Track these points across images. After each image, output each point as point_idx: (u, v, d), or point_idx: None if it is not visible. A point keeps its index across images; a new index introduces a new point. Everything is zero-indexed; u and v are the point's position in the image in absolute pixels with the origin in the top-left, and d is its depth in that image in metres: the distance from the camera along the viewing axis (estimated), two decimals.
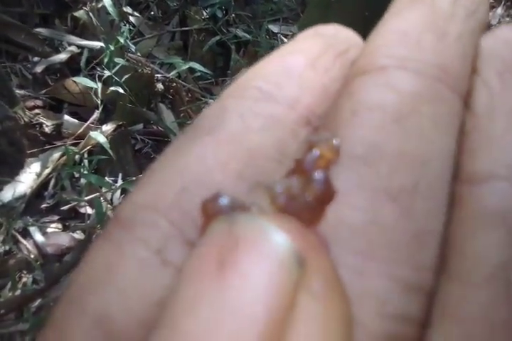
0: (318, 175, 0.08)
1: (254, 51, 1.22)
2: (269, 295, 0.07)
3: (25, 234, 0.81)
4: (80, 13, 1.41)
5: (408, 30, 0.10)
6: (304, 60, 0.11)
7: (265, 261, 0.07)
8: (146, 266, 0.09)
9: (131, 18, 1.46)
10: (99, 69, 1.19)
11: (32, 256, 0.76)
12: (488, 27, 0.11)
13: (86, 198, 0.86)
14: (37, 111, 1.07)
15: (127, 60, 0.98)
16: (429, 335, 0.08)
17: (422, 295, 0.08)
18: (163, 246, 0.09)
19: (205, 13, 1.29)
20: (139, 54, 1.13)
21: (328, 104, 0.10)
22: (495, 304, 0.08)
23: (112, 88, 0.91)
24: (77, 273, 0.10)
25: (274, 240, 0.07)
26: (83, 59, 1.30)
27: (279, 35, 1.52)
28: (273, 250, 0.07)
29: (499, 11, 1.36)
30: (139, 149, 0.97)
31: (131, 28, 1.37)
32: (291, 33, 1.51)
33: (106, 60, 0.95)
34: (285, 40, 1.47)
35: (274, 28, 1.48)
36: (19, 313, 0.68)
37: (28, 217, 0.84)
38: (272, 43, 1.24)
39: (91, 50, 1.30)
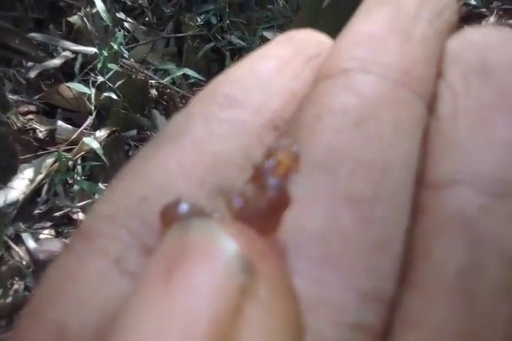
0: (272, 181, 0.08)
1: None
2: (213, 301, 0.06)
3: (18, 240, 0.80)
4: (74, 19, 1.42)
5: (373, 31, 0.10)
6: (273, 65, 0.11)
7: (212, 267, 0.07)
8: (104, 277, 0.09)
9: (126, 24, 1.47)
10: (92, 74, 1.19)
11: (24, 263, 0.75)
12: None
13: (79, 204, 0.85)
14: (30, 116, 1.06)
15: (121, 66, 0.98)
16: None
17: (381, 305, 0.08)
18: (122, 256, 0.09)
19: (199, 20, 1.30)
20: (132, 60, 1.13)
21: (295, 109, 0.10)
22: (456, 314, 0.08)
23: (106, 94, 0.91)
24: (40, 285, 0.09)
25: (223, 247, 0.07)
26: (77, 64, 1.30)
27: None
28: (220, 257, 0.07)
29: (491, 19, 1.37)
30: (132, 155, 0.96)
31: (126, 33, 1.37)
32: None
33: (99, 65, 0.95)
34: None
35: (268, 35, 1.49)
36: (10, 320, 0.68)
37: (21, 223, 0.84)
38: None
39: (85, 55, 1.30)
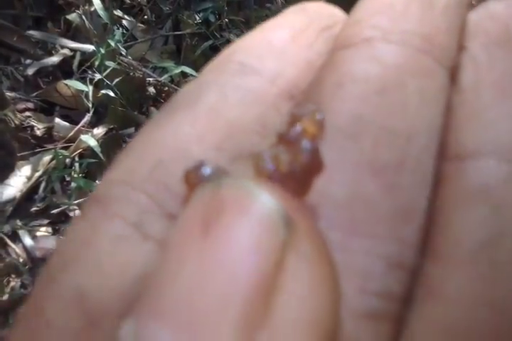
0: (306, 144, 0.08)
1: None
2: (256, 254, 0.06)
3: (14, 237, 0.80)
4: (72, 16, 1.41)
5: (394, 0, 0.09)
6: (287, 35, 0.11)
7: (252, 221, 0.07)
8: (123, 241, 0.09)
9: (125, 22, 1.46)
10: (90, 72, 1.19)
11: (21, 260, 0.75)
12: None
13: (76, 202, 0.85)
14: (28, 113, 1.06)
15: (118, 64, 0.97)
16: (410, 313, 0.08)
17: (404, 273, 0.08)
18: (142, 220, 0.09)
19: (198, 18, 1.30)
20: (130, 57, 1.13)
21: (311, 79, 0.10)
22: (478, 283, 0.08)
23: (103, 91, 0.91)
24: (54, 253, 0.09)
25: (262, 201, 0.07)
26: (75, 62, 1.29)
27: None
28: (260, 211, 0.07)
29: None
30: None
31: (125, 31, 1.37)
32: None
33: (97, 63, 0.95)
34: None
35: None
36: (6, 318, 0.67)
37: (17, 221, 0.83)
38: None
39: (83, 53, 1.30)
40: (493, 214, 0.08)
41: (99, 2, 1.00)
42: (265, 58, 0.10)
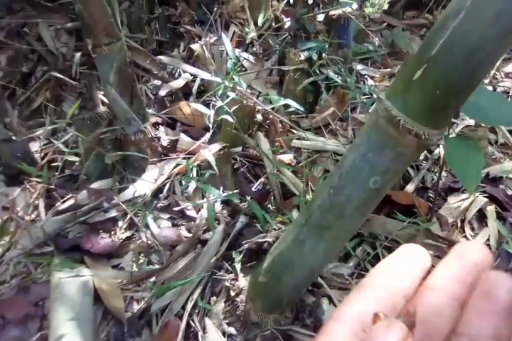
0: None
1: (342, 93, 1.38)
2: None
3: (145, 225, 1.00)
4: (195, 46, 1.67)
5: None
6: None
7: None
8: None
9: (236, 53, 1.69)
10: (207, 97, 1.41)
11: (149, 242, 0.95)
12: None
13: (196, 203, 1.04)
14: (158, 127, 1.30)
15: (236, 94, 1.17)
16: None
17: None
18: None
19: (302, 56, 1.47)
20: (244, 88, 1.33)
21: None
22: None
23: (223, 116, 1.10)
24: None
25: None
26: (195, 86, 1.53)
27: (365, 76, 1.67)
28: None
29: None
30: (236, 168, 1.15)
31: (236, 62, 1.59)
32: (377, 76, 1.66)
33: (220, 92, 1.15)
34: (371, 81, 1.61)
35: (362, 71, 1.63)
36: (137, 284, 0.87)
37: (147, 212, 1.04)
38: (359, 86, 1.38)
39: (202, 79, 1.54)
40: None
41: (230, 45, 1.21)
42: None
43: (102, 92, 1.17)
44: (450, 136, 0.86)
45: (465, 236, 0.91)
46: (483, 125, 1.28)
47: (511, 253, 0.81)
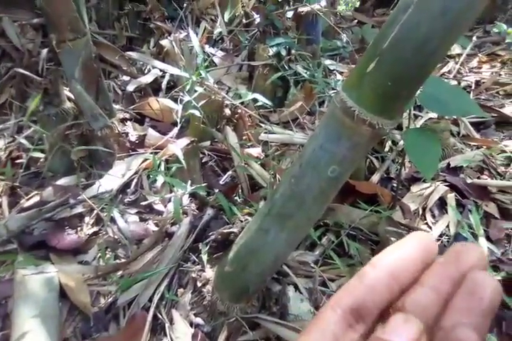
0: None
1: (310, 87, 1.40)
2: None
3: (111, 220, 1.00)
4: (164, 42, 1.66)
5: None
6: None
7: None
8: None
9: (206, 49, 1.69)
10: (176, 92, 1.41)
11: (115, 237, 0.95)
12: None
13: (163, 196, 1.04)
14: (125, 122, 1.29)
15: (204, 89, 1.18)
16: None
17: None
18: None
19: (271, 51, 1.49)
20: (212, 82, 1.34)
21: None
22: None
23: (191, 111, 1.11)
24: None
25: None
26: (164, 81, 1.53)
27: (334, 71, 1.70)
28: None
29: None
30: (205, 162, 1.15)
31: (206, 57, 1.59)
32: (346, 71, 1.69)
33: (188, 87, 1.15)
34: (339, 76, 1.64)
35: (330, 66, 1.66)
36: (104, 279, 0.87)
37: (114, 206, 1.04)
38: (328, 81, 1.40)
39: (171, 74, 1.53)
40: None
41: (197, 40, 1.21)
42: None
43: (68, 88, 1.16)
44: (410, 128, 0.89)
45: (426, 223, 0.94)
46: (446, 118, 1.31)
47: (466, 238, 0.84)
